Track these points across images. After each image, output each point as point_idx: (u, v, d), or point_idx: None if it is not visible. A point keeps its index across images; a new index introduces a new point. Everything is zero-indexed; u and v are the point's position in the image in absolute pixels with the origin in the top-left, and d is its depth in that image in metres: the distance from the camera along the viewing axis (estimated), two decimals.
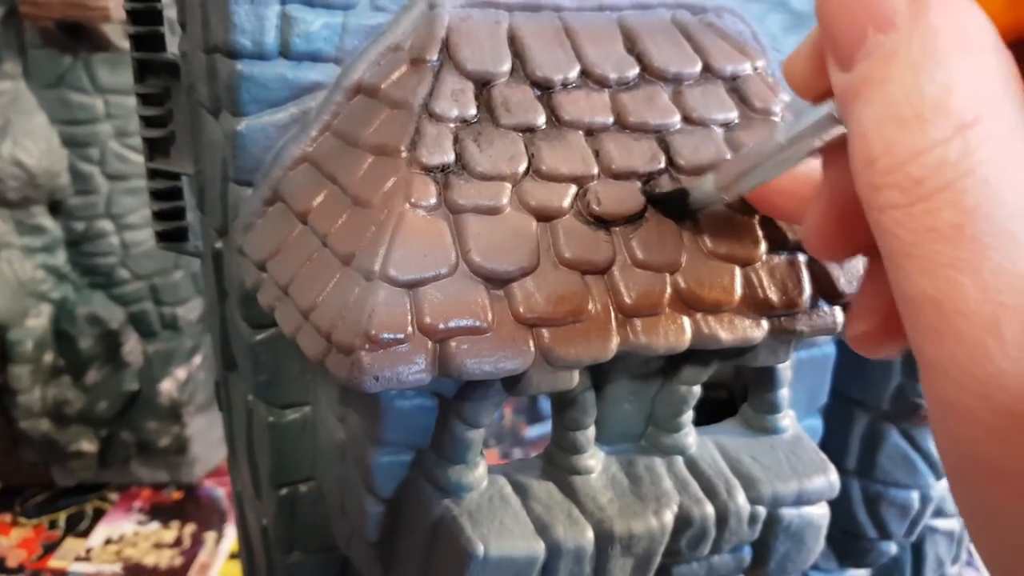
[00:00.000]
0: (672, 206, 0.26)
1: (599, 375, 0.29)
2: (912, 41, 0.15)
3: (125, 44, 0.63)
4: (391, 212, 0.25)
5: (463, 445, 0.27)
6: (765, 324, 0.27)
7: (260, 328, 0.31)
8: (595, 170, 0.27)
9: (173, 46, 0.35)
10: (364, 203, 0.26)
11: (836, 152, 0.19)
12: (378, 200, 0.25)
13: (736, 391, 0.47)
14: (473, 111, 0.27)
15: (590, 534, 0.27)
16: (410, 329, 0.23)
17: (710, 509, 0.28)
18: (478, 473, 0.27)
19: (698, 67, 0.29)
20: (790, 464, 0.30)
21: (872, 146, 0.16)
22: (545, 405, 0.84)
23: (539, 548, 0.26)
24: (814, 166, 0.24)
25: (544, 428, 0.82)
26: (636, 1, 0.30)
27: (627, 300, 0.26)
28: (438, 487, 0.27)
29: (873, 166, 0.15)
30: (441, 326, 0.24)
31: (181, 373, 0.73)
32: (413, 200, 0.25)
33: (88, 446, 0.71)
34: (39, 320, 0.68)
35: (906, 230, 0.15)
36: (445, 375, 0.24)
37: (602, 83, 0.28)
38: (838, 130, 0.19)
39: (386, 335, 0.23)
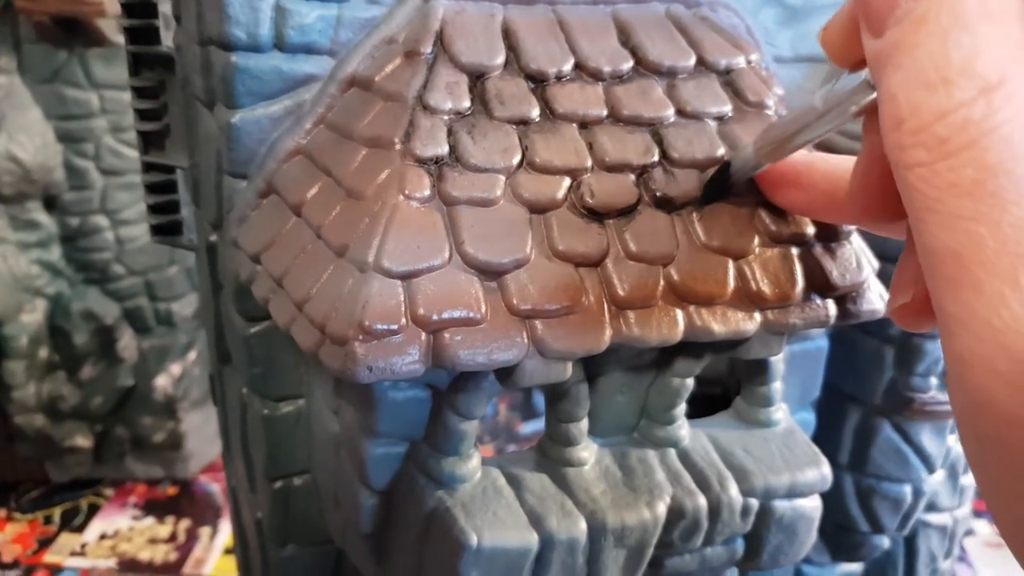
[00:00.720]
0: (717, 183, 0.27)
1: (592, 367, 0.29)
2: (941, 7, 0.16)
3: (120, 39, 0.63)
4: (385, 204, 0.25)
5: (457, 437, 0.27)
6: (758, 317, 0.27)
7: (254, 321, 0.31)
8: (589, 163, 0.27)
9: (167, 39, 0.35)
10: (358, 195, 0.26)
11: (875, 117, 0.20)
12: (372, 192, 0.25)
13: (730, 386, 0.47)
14: (467, 103, 0.27)
15: (583, 525, 0.27)
16: (404, 320, 0.24)
17: (703, 501, 0.29)
18: (471, 465, 0.28)
19: (692, 60, 0.29)
20: (783, 457, 0.31)
21: (900, 108, 0.16)
22: (540, 401, 0.84)
23: (532, 539, 0.26)
24: (831, 161, 0.25)
25: (539, 424, 0.82)
26: None
27: (620, 292, 0.26)
28: (432, 479, 0.27)
29: (901, 127, 0.16)
30: (435, 317, 0.24)
31: (176, 369, 0.73)
32: (407, 192, 0.25)
33: (83, 442, 0.71)
34: (34, 315, 0.68)
35: (930, 186, 0.16)
36: (438, 366, 0.24)
37: (596, 76, 0.28)
38: (873, 95, 0.20)
39: (380, 326, 0.23)
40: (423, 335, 0.24)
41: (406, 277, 0.24)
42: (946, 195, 0.16)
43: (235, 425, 0.37)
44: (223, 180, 0.30)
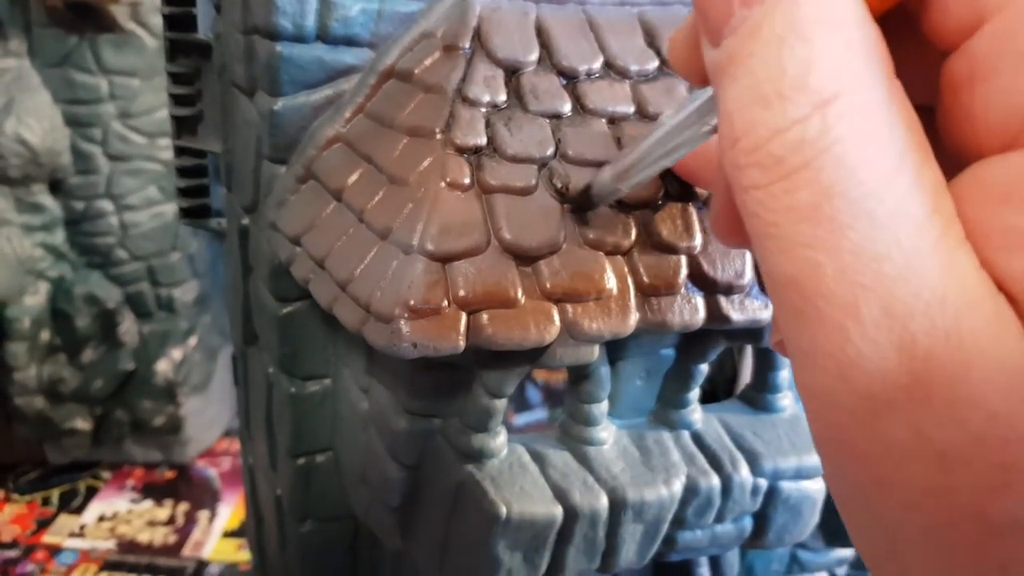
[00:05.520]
0: (579, 201, 0.27)
1: (614, 351, 0.30)
2: (776, 15, 0.14)
3: (131, 25, 0.64)
4: (428, 190, 0.26)
5: (487, 414, 0.28)
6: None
7: (286, 302, 0.32)
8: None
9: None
10: (401, 181, 0.27)
11: None
12: (414, 179, 0.27)
13: (719, 384, 0.49)
14: (503, 97, 0.28)
15: (605, 500, 0.28)
16: (445, 301, 0.25)
17: (716, 480, 0.30)
18: (499, 441, 0.29)
19: None
20: (790, 441, 0.32)
21: (736, 125, 0.15)
22: (533, 395, 0.86)
23: (557, 512, 0.28)
24: None
25: (532, 416, 0.84)
26: None
27: (645, 279, 0.27)
28: (461, 453, 0.29)
29: (736, 145, 0.15)
30: (474, 298, 0.25)
31: (176, 354, 0.73)
32: (448, 179, 0.26)
33: (82, 424, 0.72)
34: (37, 298, 0.69)
35: (767, 210, 0.15)
36: (475, 345, 0.25)
37: (624, 74, 0.30)
38: None
39: (423, 305, 0.24)
40: (463, 315, 0.25)
41: (447, 260, 0.25)
42: (783, 219, 0.14)
43: (258, 404, 0.38)
44: (262, 165, 0.31)
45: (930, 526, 0.14)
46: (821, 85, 0.14)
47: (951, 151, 0.15)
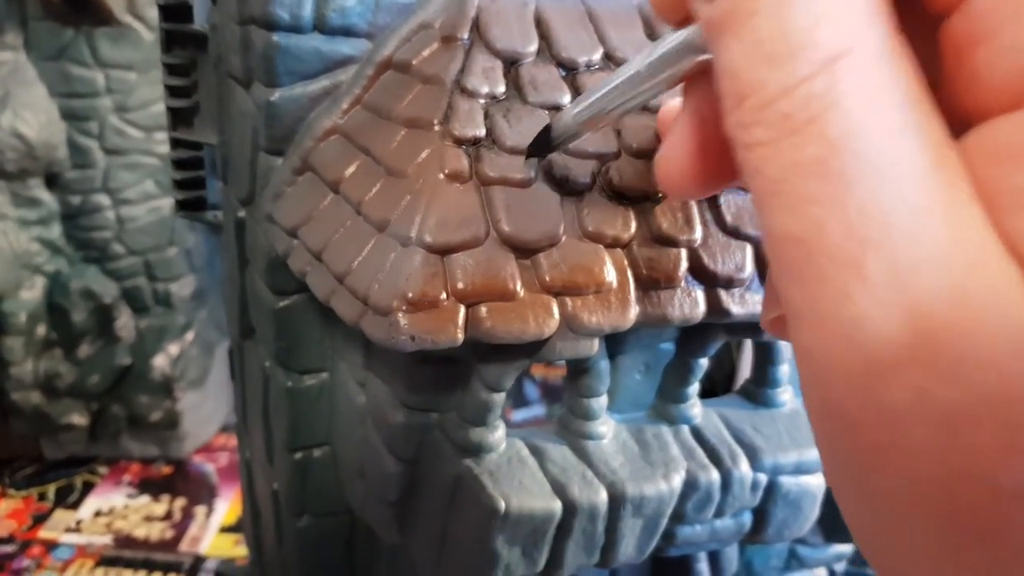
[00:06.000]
0: (539, 145, 0.26)
1: (613, 345, 0.30)
2: None
3: (128, 19, 0.64)
4: (425, 182, 0.26)
5: (485, 408, 0.28)
6: None
7: (283, 295, 0.32)
8: (616, 148, 0.28)
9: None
10: (398, 173, 0.27)
11: (698, 80, 0.19)
12: (412, 170, 0.26)
13: (718, 380, 0.48)
14: (502, 88, 0.28)
15: (604, 495, 0.28)
16: (443, 293, 0.25)
17: (715, 475, 0.30)
18: (498, 435, 0.29)
19: None
20: (789, 436, 0.32)
21: (743, 84, 0.15)
22: (530, 391, 0.86)
23: (556, 506, 0.28)
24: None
25: (530, 413, 0.84)
26: None
27: (645, 272, 0.27)
28: (459, 447, 0.28)
29: (743, 104, 0.15)
30: (472, 291, 0.25)
31: (173, 349, 0.73)
32: (447, 171, 0.26)
33: (79, 419, 0.71)
34: (33, 292, 0.69)
35: (773, 166, 0.14)
36: (474, 338, 0.25)
37: None
38: (700, 58, 0.18)
39: (422, 298, 0.24)
40: (461, 308, 0.25)
41: (446, 252, 0.25)
42: (789, 175, 0.14)
43: (255, 398, 0.38)
44: (258, 157, 0.31)
45: (931, 493, 0.13)
46: (828, 42, 0.14)
47: (956, 117, 0.15)
